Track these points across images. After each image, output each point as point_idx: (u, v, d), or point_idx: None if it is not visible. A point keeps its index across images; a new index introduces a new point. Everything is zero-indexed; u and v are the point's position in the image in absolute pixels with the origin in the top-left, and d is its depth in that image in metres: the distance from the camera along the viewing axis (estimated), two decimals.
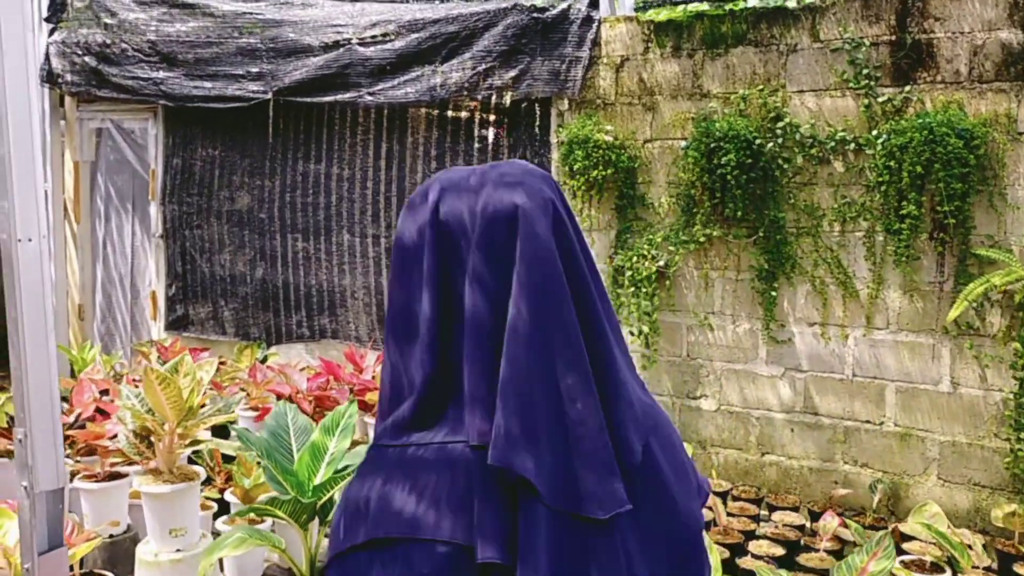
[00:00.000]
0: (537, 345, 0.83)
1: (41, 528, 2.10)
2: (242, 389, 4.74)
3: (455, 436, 0.85)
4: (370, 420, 4.23)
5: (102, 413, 3.89)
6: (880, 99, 4.02)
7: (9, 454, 3.61)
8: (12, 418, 3.65)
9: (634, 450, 0.88)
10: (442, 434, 0.86)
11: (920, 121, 3.82)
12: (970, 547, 3.41)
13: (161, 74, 5.91)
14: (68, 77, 6.19)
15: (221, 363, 5.19)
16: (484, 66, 4.97)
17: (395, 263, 0.92)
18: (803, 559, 3.56)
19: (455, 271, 0.87)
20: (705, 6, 4.39)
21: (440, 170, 1.01)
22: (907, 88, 3.97)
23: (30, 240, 2.02)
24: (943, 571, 3.34)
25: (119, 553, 3.13)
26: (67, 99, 6.40)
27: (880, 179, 3.99)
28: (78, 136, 6.50)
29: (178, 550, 2.92)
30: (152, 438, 2.98)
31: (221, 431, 4.61)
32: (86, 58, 6.12)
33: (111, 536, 3.16)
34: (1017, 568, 3.50)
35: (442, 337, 0.86)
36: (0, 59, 1.90)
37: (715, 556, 2.26)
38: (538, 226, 0.86)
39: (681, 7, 4.47)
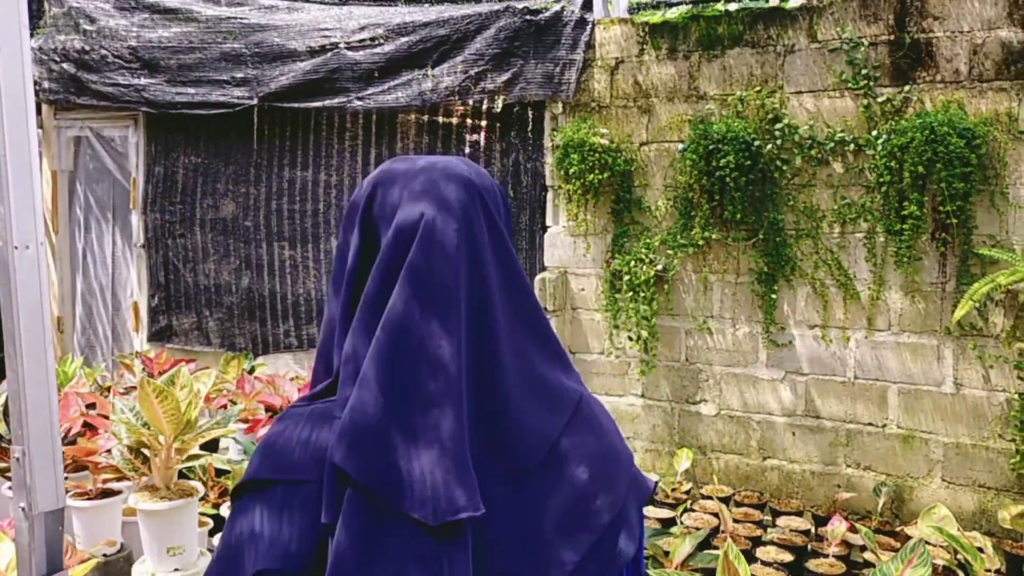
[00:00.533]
0: (403, 351, 0.88)
1: (40, 551, 2.00)
2: (231, 401, 4.63)
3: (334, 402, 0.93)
4: None
5: (90, 428, 3.76)
6: (879, 99, 3.99)
7: (0, 473, 3.48)
8: (1, 436, 3.52)
9: (530, 453, 0.90)
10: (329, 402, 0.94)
11: (921, 121, 3.79)
12: (981, 550, 3.38)
13: (143, 81, 5.79)
14: (45, 84, 6.05)
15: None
16: (476, 70, 4.90)
17: (337, 248, 1.00)
18: (812, 565, 3.51)
19: (369, 267, 0.93)
20: (700, 8, 4.35)
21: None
22: (907, 88, 3.94)
23: (27, 247, 1.92)
24: (956, 575, 3.30)
25: (114, 574, 3.02)
26: (44, 107, 6.26)
27: (881, 180, 3.96)
28: (56, 145, 6.35)
29: (176, 570, 2.81)
30: (148, 453, 2.87)
31: (207, 446, 4.49)
32: (64, 65, 5.98)
33: (105, 556, 3.04)
34: None
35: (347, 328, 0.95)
36: None
37: (743, 567, 2.19)
38: (440, 235, 0.90)
39: (676, 8, 4.43)
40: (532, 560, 0.87)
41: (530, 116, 4.90)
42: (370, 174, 0.98)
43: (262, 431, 4.01)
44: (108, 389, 4.88)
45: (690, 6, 4.40)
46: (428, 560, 0.82)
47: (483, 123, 5.03)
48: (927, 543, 3.55)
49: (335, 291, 0.97)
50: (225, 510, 3.35)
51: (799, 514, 4.11)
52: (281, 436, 0.92)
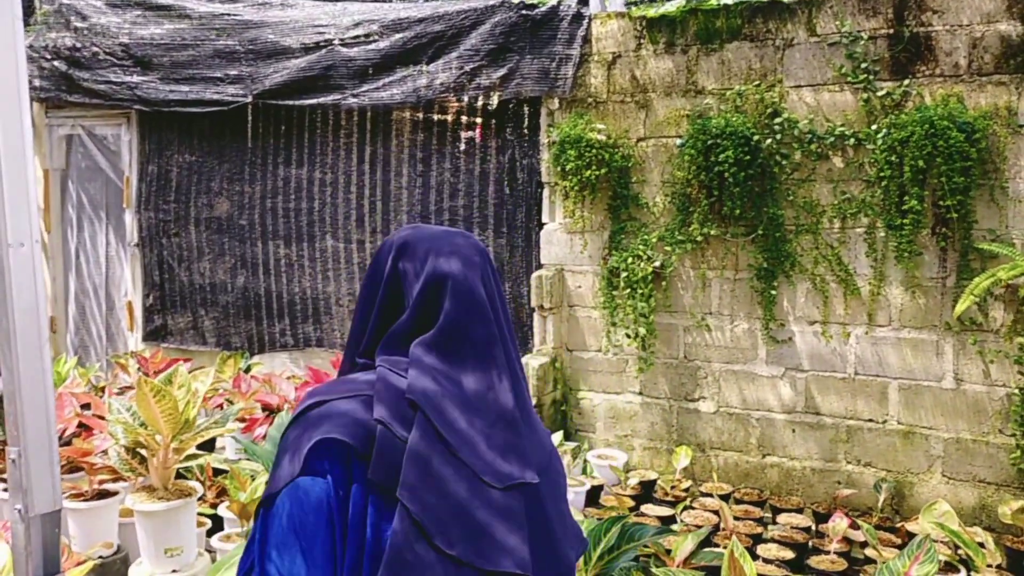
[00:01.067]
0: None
1: (37, 554, 1.97)
2: (228, 400, 4.60)
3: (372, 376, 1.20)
4: None
5: (85, 428, 3.73)
6: (879, 93, 3.97)
7: None
8: None
9: (547, 451, 1.27)
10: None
11: (920, 115, 3.78)
12: (982, 545, 3.36)
13: (135, 78, 5.75)
14: (36, 83, 5.99)
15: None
16: (471, 65, 4.87)
17: (367, 277, 1.30)
18: (814, 562, 3.49)
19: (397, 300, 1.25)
20: (696, 2, 4.33)
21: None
22: (906, 82, 3.93)
23: (22, 245, 1.88)
24: (957, 571, 3.28)
25: (110, 575, 2.98)
26: (35, 105, 6.20)
27: (881, 174, 3.94)
28: (47, 143, 6.30)
29: (174, 571, 2.78)
30: (145, 453, 2.84)
31: (203, 445, 4.46)
32: (55, 63, 5.94)
33: (101, 558, 3.01)
34: None
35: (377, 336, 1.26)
36: None
37: (748, 564, 2.16)
38: (470, 283, 1.24)
39: (674, 2, 4.40)
40: (563, 521, 1.23)
41: (526, 112, 4.87)
42: (391, 239, 1.31)
43: (260, 430, 3.97)
44: (103, 389, 4.84)
45: (688, 0, 4.38)
46: (506, 514, 1.12)
47: (478, 120, 5.00)
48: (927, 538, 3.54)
49: (361, 318, 1.29)
50: (223, 510, 3.32)
51: (799, 511, 4.09)
52: (323, 388, 1.18)
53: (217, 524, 3.42)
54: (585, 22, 4.64)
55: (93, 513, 3.05)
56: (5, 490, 3.21)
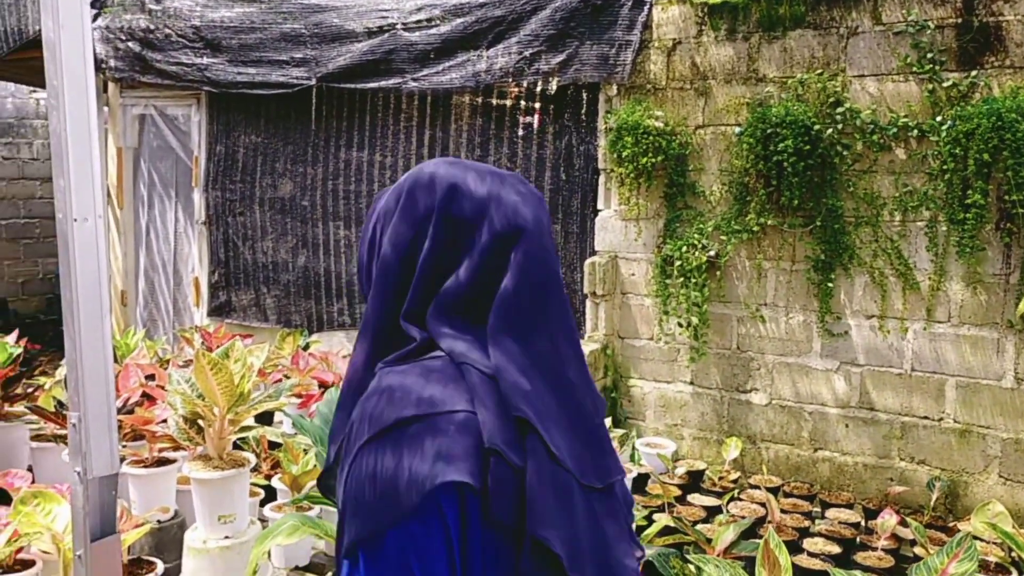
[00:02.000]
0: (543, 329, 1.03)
1: (94, 515, 2.06)
2: (285, 376, 4.72)
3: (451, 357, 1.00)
4: None
5: (148, 398, 3.87)
6: (945, 84, 3.88)
7: (56, 438, 3.60)
8: (60, 403, 3.65)
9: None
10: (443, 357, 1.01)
11: (987, 107, 3.68)
12: None
13: (205, 60, 5.90)
14: (112, 63, 6.19)
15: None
16: (531, 51, 4.89)
17: (399, 220, 1.06)
18: (860, 557, 3.45)
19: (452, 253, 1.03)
20: None
21: (457, 157, 1.18)
22: (973, 73, 3.83)
23: (86, 220, 1.97)
24: (1009, 572, 3.22)
25: (167, 540, 3.11)
26: (110, 85, 6.41)
27: (944, 167, 3.85)
28: (121, 122, 6.51)
29: (227, 537, 2.89)
30: (202, 423, 2.95)
31: (261, 418, 4.59)
32: (130, 44, 6.12)
33: (159, 522, 3.13)
34: None
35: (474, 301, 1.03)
36: (58, 35, 1.86)
37: (784, 556, 2.17)
38: (544, 238, 1.05)
39: None
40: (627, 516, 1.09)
41: (584, 98, 4.87)
42: (432, 174, 1.07)
43: (315, 406, 4.07)
44: (167, 362, 5.01)
45: None
46: (612, 513, 1.01)
47: (536, 105, 5.02)
48: (980, 539, 3.48)
49: (391, 277, 1.05)
50: (276, 481, 3.42)
51: (849, 507, 4.04)
52: (405, 384, 0.96)
53: (270, 495, 3.53)
54: (646, 8, 4.61)
55: (152, 479, 3.18)
56: (68, 454, 3.36)
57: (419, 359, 1.00)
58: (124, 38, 6.13)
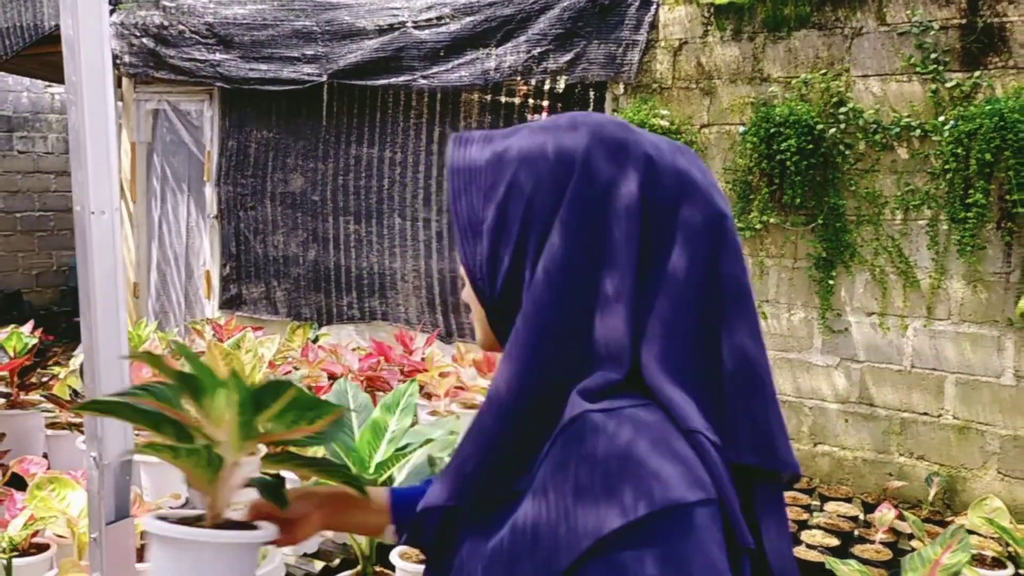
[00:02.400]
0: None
1: (109, 499, 2.13)
2: (295, 368, 4.79)
3: (645, 400, 0.78)
4: (423, 402, 4.25)
5: None
6: (948, 84, 3.92)
7: (71, 426, 3.69)
8: (75, 391, 3.73)
9: None
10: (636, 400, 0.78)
11: (990, 107, 3.72)
12: None
13: (218, 56, 5.98)
14: (126, 59, 6.28)
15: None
16: (539, 50, 4.94)
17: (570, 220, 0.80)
18: (858, 550, 3.51)
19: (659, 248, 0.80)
20: None
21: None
22: (977, 73, 3.87)
23: (103, 213, 2.04)
24: (1005, 567, 3.27)
25: None
26: (124, 80, 6.50)
27: (946, 166, 3.90)
28: (135, 117, 6.60)
29: None
30: None
31: None
32: (144, 40, 6.21)
33: (170, 508, 3.21)
34: None
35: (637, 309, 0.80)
36: (77, 33, 1.93)
37: None
38: (734, 229, 0.85)
39: None
40: None
41: (591, 97, 4.93)
42: (617, 139, 0.82)
43: (323, 397, 4.14)
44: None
45: None
46: (784, 509, 0.85)
47: (545, 103, 5.07)
48: (977, 534, 3.53)
49: (577, 282, 0.79)
50: (287, 472, 3.49)
51: (848, 500, 4.10)
52: (657, 451, 0.74)
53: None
54: (653, 8, 4.66)
55: (164, 467, 3.25)
56: (83, 441, 3.44)
57: (629, 406, 0.76)
58: (138, 34, 6.21)
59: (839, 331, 4.28)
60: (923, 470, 4.13)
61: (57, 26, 6.31)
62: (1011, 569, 3.24)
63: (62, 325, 7.77)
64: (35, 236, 8.99)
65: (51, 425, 3.67)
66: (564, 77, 4.92)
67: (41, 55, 6.65)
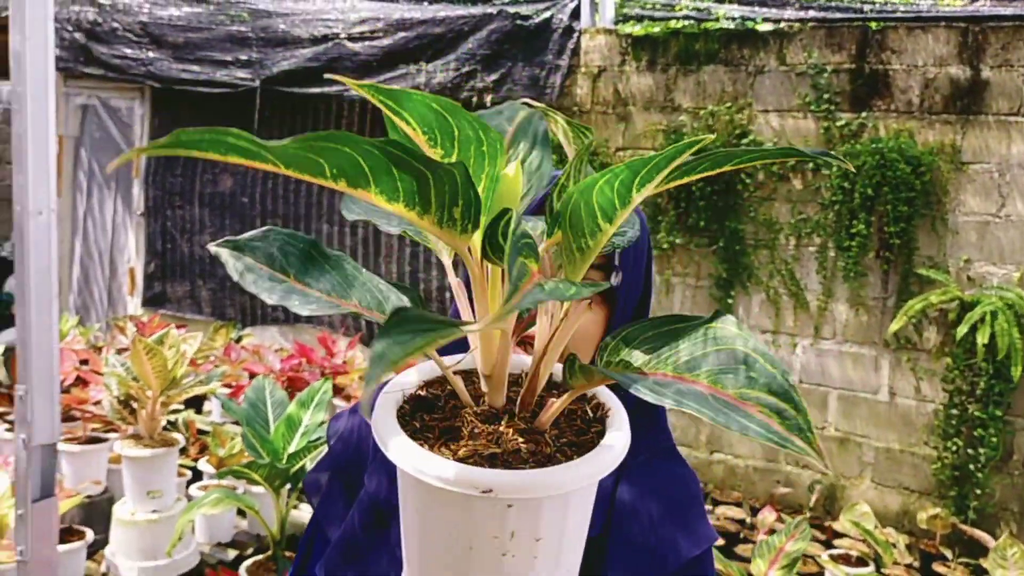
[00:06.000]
0: None
1: (35, 478, 2.28)
2: (215, 366, 4.91)
3: None
4: (340, 402, 4.42)
5: (82, 382, 4.04)
6: (838, 123, 4.27)
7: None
8: None
9: None
10: None
11: (873, 146, 4.08)
12: (894, 545, 3.67)
13: (150, 55, 6.05)
14: (56, 52, 6.28)
15: None
16: (467, 68, 5.17)
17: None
18: (740, 549, 3.81)
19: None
20: (680, 23, 4.62)
21: None
22: (863, 114, 4.22)
23: (40, 213, 2.19)
24: (867, 565, 3.60)
25: (96, 512, 3.30)
26: (55, 78, 6.50)
27: (834, 198, 4.24)
28: (63, 110, 6.60)
29: (154, 511, 3.10)
30: (135, 405, 3.16)
31: (191, 407, 4.78)
32: (75, 34, 6.23)
33: (88, 496, 3.33)
34: (936, 567, 3.77)
35: None
36: (24, 47, 2.08)
37: None
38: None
39: (659, 24, 4.69)
40: None
41: None
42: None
43: (244, 392, 4.28)
44: (101, 349, 5.15)
45: (670, 22, 4.67)
46: None
47: None
48: (848, 536, 3.86)
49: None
50: (203, 464, 3.63)
51: (738, 505, 4.40)
52: None
53: (196, 476, 3.74)
54: (575, 35, 4.93)
55: (85, 456, 3.37)
56: (8, 430, 3.53)
57: None
58: (70, 28, 6.24)
59: None
60: (807, 478, 4.46)
61: None
62: (872, 567, 3.57)
63: None
64: None
65: None
66: (491, 96, 5.15)
67: None
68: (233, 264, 0.69)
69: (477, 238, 0.60)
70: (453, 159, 0.57)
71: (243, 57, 5.80)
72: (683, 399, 0.54)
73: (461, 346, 0.69)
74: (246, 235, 0.64)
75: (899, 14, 4.19)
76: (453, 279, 0.71)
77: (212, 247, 0.71)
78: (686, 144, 0.55)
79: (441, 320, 0.49)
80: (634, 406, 0.70)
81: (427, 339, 0.46)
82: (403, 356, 0.44)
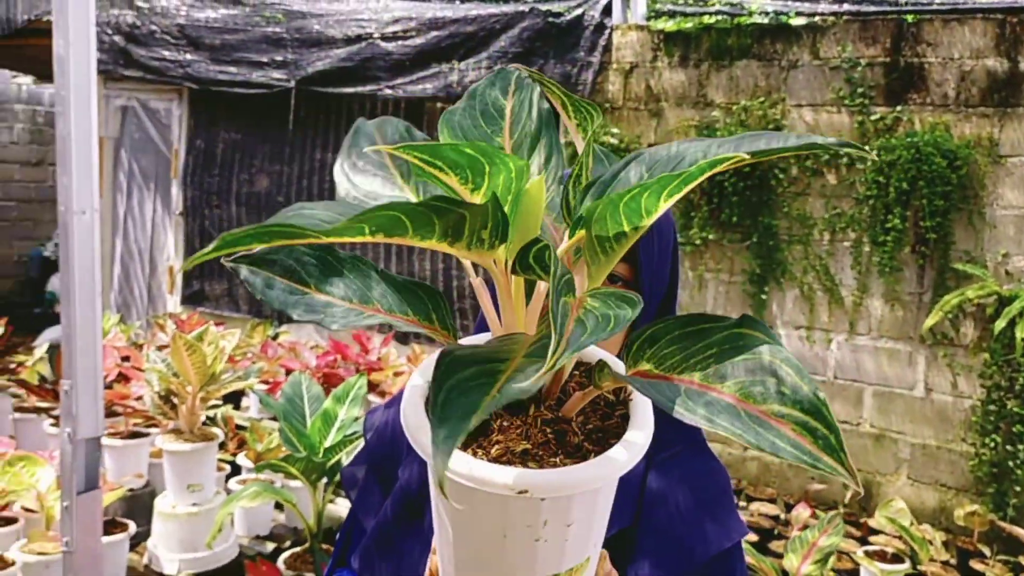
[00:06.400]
0: None
1: (80, 471, 2.34)
2: (253, 363, 4.99)
3: None
4: (374, 398, 4.47)
5: (124, 378, 4.14)
6: (873, 117, 4.24)
7: (38, 411, 3.86)
8: (43, 377, 3.90)
9: None
10: None
11: (908, 140, 4.04)
12: (930, 542, 3.64)
13: (187, 57, 6.15)
14: (96, 55, 6.41)
15: None
16: (499, 66, 5.18)
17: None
18: (774, 546, 3.80)
19: None
20: (713, 19, 4.61)
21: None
22: (898, 108, 4.18)
23: (84, 212, 2.26)
24: (903, 562, 3.57)
25: (138, 505, 3.38)
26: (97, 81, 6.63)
27: (869, 193, 4.21)
28: (104, 112, 6.73)
29: (194, 504, 3.17)
30: (175, 400, 3.23)
31: (230, 403, 4.86)
32: (115, 37, 6.36)
33: (131, 490, 3.40)
34: (973, 564, 3.72)
35: None
36: (67, 52, 2.14)
37: None
38: None
39: (691, 19, 4.69)
40: None
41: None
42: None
43: (282, 388, 4.34)
44: (141, 346, 5.26)
45: (702, 17, 4.66)
46: None
47: None
48: (884, 533, 3.84)
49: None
50: (242, 458, 3.70)
51: (772, 501, 4.38)
52: None
53: (235, 471, 3.81)
54: (607, 32, 4.94)
55: (127, 450, 3.45)
56: (54, 424, 3.62)
57: None
58: (110, 32, 6.36)
59: None
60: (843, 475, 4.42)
61: (29, 19, 6.44)
62: (908, 564, 3.54)
63: (19, 316, 7.85)
64: None
65: (18, 408, 3.84)
66: None
67: (11, 47, 6.76)
68: (253, 280, 0.70)
69: (502, 251, 0.62)
70: (483, 190, 0.60)
71: (278, 58, 5.88)
72: (715, 417, 0.55)
73: (484, 327, 0.73)
74: (260, 248, 0.61)
75: (935, 6, 4.14)
76: (474, 279, 0.74)
77: (228, 264, 0.70)
78: (719, 160, 0.57)
79: (494, 372, 0.53)
80: None
81: (485, 410, 0.50)
82: (465, 432, 0.47)
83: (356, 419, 2.77)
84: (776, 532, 3.99)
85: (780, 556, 3.65)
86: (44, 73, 8.25)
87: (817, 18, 4.37)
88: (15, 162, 9.19)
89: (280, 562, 2.97)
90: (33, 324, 7.05)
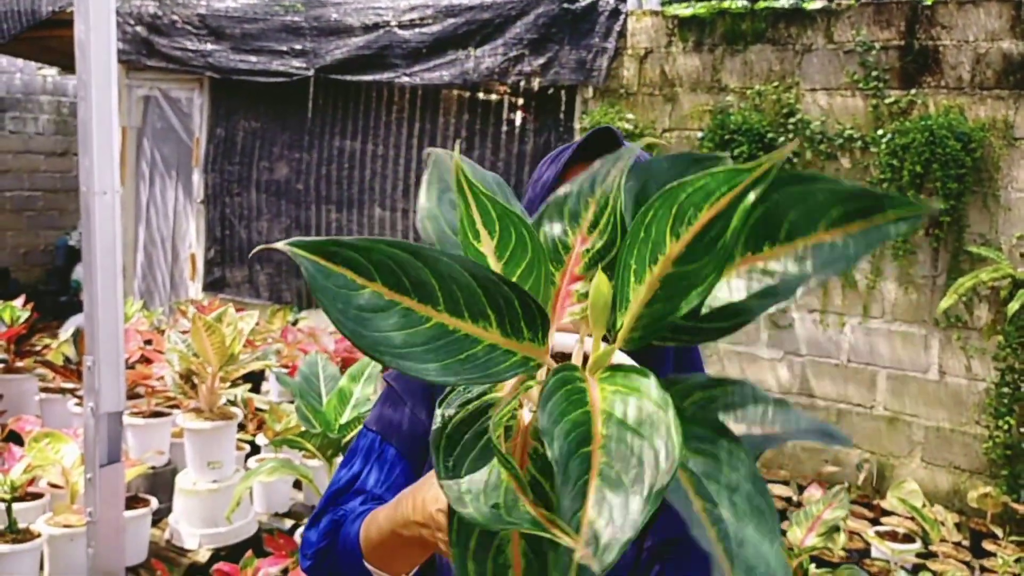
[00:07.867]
0: None
1: (103, 444, 2.42)
2: (270, 345, 5.06)
3: None
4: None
5: (146, 360, 4.23)
6: (887, 100, 4.24)
7: (63, 391, 3.96)
8: (67, 358, 4.00)
9: None
10: None
11: (922, 123, 4.04)
12: (942, 523, 3.66)
13: (208, 47, 6.23)
14: (119, 45, 6.51)
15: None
16: (515, 52, 5.23)
17: None
18: (786, 526, 3.82)
19: None
20: (727, 3, 4.63)
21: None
22: (912, 91, 4.18)
23: (105, 193, 2.33)
24: (914, 541, 3.59)
25: (160, 482, 3.46)
26: (117, 66, 6.73)
27: (883, 176, 4.21)
28: (126, 102, 6.83)
29: (214, 480, 3.25)
30: (195, 380, 3.30)
31: (250, 387, 4.94)
32: (137, 28, 6.45)
33: (153, 467, 3.49)
34: (986, 545, 3.74)
35: None
36: (88, 37, 2.21)
37: None
38: None
39: (706, 4, 4.70)
40: None
41: (563, 99, 5.22)
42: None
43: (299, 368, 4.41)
44: (163, 331, 5.36)
45: (717, 2, 4.67)
46: None
47: (520, 103, 5.36)
48: (896, 514, 3.86)
49: None
50: (261, 438, 3.77)
51: (786, 483, 4.41)
52: None
53: (255, 450, 3.89)
54: (621, 18, 4.96)
55: (149, 429, 3.54)
56: (77, 404, 3.71)
57: None
58: (132, 22, 6.45)
59: (784, 327, 4.59)
60: (856, 457, 4.45)
61: (53, 11, 6.54)
62: (919, 544, 3.56)
63: (47, 304, 7.99)
64: (23, 215, 9.19)
65: (44, 389, 3.94)
66: (538, 79, 5.21)
67: (36, 39, 6.87)
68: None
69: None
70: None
71: (297, 47, 5.94)
72: None
73: None
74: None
75: None
76: None
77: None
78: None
79: None
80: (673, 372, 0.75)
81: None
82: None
83: (370, 398, 2.82)
84: (788, 513, 4.02)
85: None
86: (68, 65, 8.37)
87: (832, 2, 4.37)
88: (40, 152, 9.33)
89: (297, 536, 3.04)
90: (59, 312, 7.19)
